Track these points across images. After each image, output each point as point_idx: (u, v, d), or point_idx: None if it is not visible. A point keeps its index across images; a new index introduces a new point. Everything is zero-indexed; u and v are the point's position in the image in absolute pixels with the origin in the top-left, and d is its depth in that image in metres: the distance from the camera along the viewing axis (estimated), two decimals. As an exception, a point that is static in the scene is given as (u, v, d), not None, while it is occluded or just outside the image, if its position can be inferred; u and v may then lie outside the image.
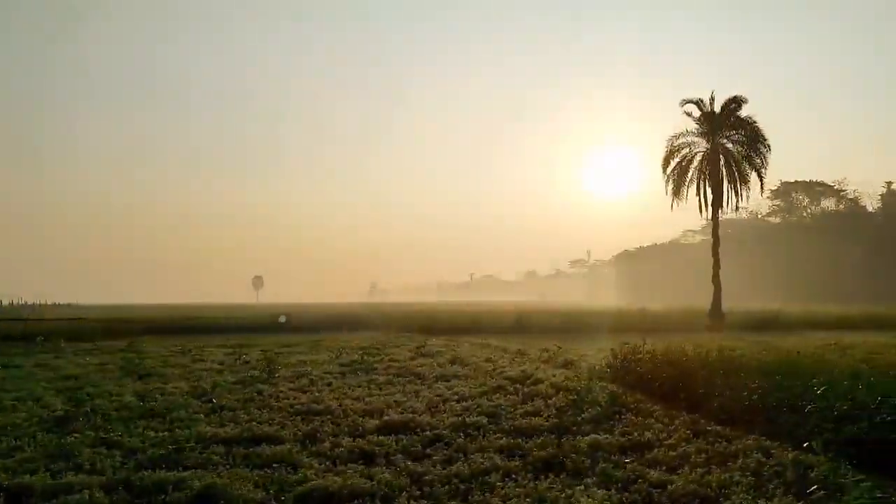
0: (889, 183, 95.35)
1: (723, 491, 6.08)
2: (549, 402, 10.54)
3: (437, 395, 11.28)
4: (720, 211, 33.27)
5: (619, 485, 6.30)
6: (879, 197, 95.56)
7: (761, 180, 32.78)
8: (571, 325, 31.71)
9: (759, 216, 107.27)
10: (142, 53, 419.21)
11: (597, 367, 14.52)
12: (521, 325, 31.10)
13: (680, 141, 33.87)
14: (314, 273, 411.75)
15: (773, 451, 7.22)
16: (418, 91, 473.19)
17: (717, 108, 33.02)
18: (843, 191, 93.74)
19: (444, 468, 6.92)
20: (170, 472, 6.50)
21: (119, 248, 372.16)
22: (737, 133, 32.87)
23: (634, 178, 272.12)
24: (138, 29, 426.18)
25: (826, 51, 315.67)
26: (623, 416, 9.24)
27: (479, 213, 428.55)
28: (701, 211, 33.57)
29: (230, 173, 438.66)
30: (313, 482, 6.27)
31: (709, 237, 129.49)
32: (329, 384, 12.94)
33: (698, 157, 33.62)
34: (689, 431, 8.33)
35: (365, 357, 17.37)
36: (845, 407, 7.82)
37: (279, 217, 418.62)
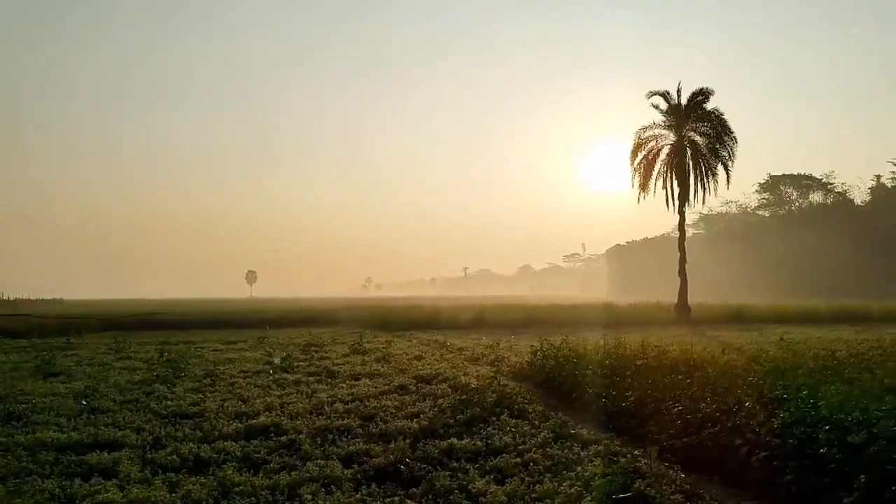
0: (878, 176, 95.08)
1: (537, 503, 5.71)
2: (438, 402, 10.17)
3: (332, 396, 10.87)
4: (687, 204, 32.85)
5: (431, 496, 5.92)
6: (869, 190, 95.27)
7: (728, 173, 32.33)
8: (536, 319, 31.34)
9: (749, 210, 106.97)
10: (137, 55, 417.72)
11: (517, 365, 14.17)
12: (482, 320, 30.74)
13: (647, 133, 33.43)
14: (311, 268, 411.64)
15: (618, 459, 6.82)
16: (415, 88, 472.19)
17: (684, 101, 32.54)
18: (831, 184, 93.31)
19: (269, 478, 6.53)
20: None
21: (119, 245, 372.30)
22: (704, 125, 32.38)
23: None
24: (134, 30, 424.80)
25: (819, 44, 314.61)
26: (498, 419, 8.85)
27: (476, 209, 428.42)
28: (668, 205, 33.17)
29: (228, 171, 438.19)
30: (105, 495, 5.87)
31: (700, 230, 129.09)
32: (233, 384, 12.52)
33: (665, 150, 33.18)
34: (552, 435, 7.95)
35: (295, 355, 17.00)
36: (708, 410, 7.45)
37: (276, 213, 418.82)
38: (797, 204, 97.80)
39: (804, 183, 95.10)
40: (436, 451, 7.37)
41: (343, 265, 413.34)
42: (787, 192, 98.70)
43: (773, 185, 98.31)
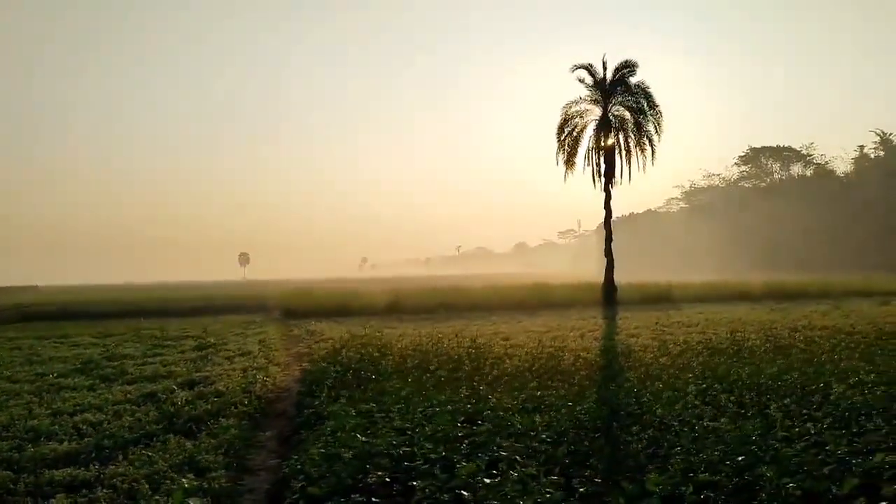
0: (861, 147, 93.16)
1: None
2: (157, 413, 9.30)
3: (60, 408, 9.95)
4: (613, 182, 31.70)
5: None
6: (852, 161, 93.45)
7: (653, 148, 31.08)
8: (454, 303, 30.61)
9: (731, 182, 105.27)
10: (134, 50, 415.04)
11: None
12: (399, 305, 29.99)
13: (573, 109, 32.16)
14: (311, 249, 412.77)
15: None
16: (408, 67, 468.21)
17: (609, 75, 31.25)
18: (811, 155, 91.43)
19: None
20: None
21: (118, 234, 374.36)
22: (629, 100, 31.12)
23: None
24: (129, 19, 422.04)
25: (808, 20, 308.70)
26: (167, 439, 8.00)
27: (473, 187, 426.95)
28: (594, 182, 32.01)
29: (227, 157, 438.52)
30: None
31: (689, 205, 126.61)
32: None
33: (591, 126, 31.99)
34: (187, 460, 7.07)
35: (129, 352, 16.28)
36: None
37: (276, 196, 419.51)
38: (777, 176, 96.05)
39: (784, 155, 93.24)
40: (25, 485, 6.52)
41: (342, 246, 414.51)
42: (767, 165, 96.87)
43: (753, 157, 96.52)
